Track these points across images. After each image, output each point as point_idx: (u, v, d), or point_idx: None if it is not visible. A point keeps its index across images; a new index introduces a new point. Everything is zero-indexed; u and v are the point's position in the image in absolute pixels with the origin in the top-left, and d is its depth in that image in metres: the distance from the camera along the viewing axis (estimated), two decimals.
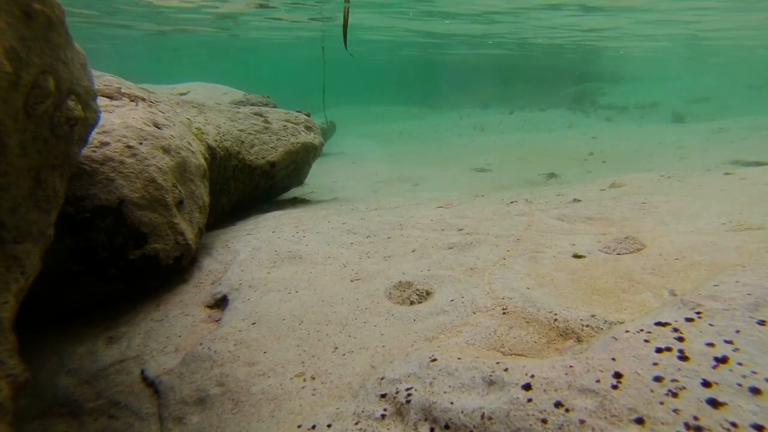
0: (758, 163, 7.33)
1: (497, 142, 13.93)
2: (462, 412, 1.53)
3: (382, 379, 1.80)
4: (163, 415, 2.05)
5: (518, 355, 1.87)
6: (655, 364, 1.49)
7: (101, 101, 3.10)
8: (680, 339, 1.58)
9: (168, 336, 2.54)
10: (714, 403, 1.31)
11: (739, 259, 2.21)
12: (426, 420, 1.56)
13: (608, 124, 18.22)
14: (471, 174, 9.41)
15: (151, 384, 2.24)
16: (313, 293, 2.67)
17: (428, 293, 2.51)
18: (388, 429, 1.59)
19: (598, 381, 1.48)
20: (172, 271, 3.00)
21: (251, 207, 5.46)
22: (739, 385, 1.35)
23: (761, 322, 1.57)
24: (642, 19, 17.64)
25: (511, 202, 4.08)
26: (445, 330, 2.12)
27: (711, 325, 1.61)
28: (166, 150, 3.11)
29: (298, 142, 5.67)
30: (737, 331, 1.55)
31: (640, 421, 1.32)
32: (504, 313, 2.14)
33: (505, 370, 1.65)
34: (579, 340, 1.86)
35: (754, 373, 1.37)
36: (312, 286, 2.75)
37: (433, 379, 1.70)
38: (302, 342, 2.23)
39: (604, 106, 23.95)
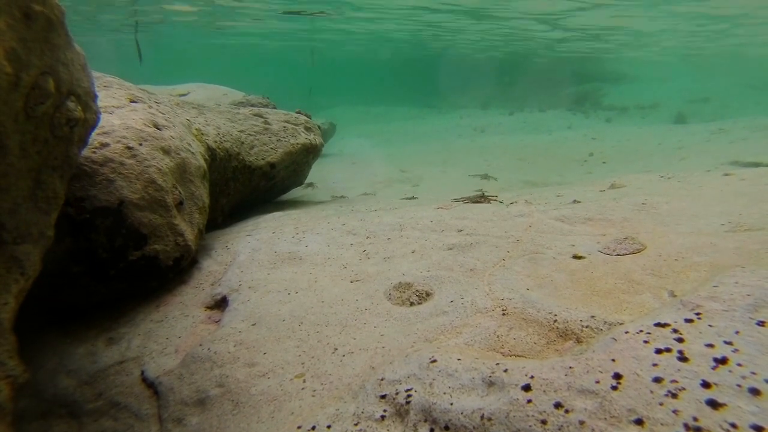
0: (758, 164, 7.34)
1: (497, 143, 13.94)
2: (462, 413, 1.53)
3: (381, 380, 1.80)
4: (163, 416, 2.06)
5: (518, 356, 1.87)
6: (654, 365, 1.49)
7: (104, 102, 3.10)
8: (680, 340, 1.58)
9: (168, 337, 2.54)
10: (713, 404, 1.31)
11: (739, 260, 2.21)
12: (426, 421, 1.56)
13: (608, 125, 18.23)
14: (471, 175, 9.42)
15: (150, 385, 2.24)
16: (313, 294, 2.67)
17: (428, 294, 2.51)
18: (388, 430, 1.59)
19: (597, 382, 1.48)
20: (172, 272, 3.00)
21: (251, 208, 5.46)
22: (739, 386, 1.35)
23: (761, 323, 1.57)
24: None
25: (511, 203, 4.08)
26: (444, 331, 2.12)
27: (710, 326, 1.61)
28: (166, 151, 3.11)
29: (297, 143, 5.67)
30: (737, 332, 1.55)
31: (639, 422, 1.32)
32: (504, 314, 2.14)
33: (505, 371, 1.65)
34: (579, 341, 1.86)
35: (754, 374, 1.37)
36: (312, 287, 2.75)
37: (433, 380, 1.70)
38: (302, 343, 2.23)
39: (604, 107, 23.96)
